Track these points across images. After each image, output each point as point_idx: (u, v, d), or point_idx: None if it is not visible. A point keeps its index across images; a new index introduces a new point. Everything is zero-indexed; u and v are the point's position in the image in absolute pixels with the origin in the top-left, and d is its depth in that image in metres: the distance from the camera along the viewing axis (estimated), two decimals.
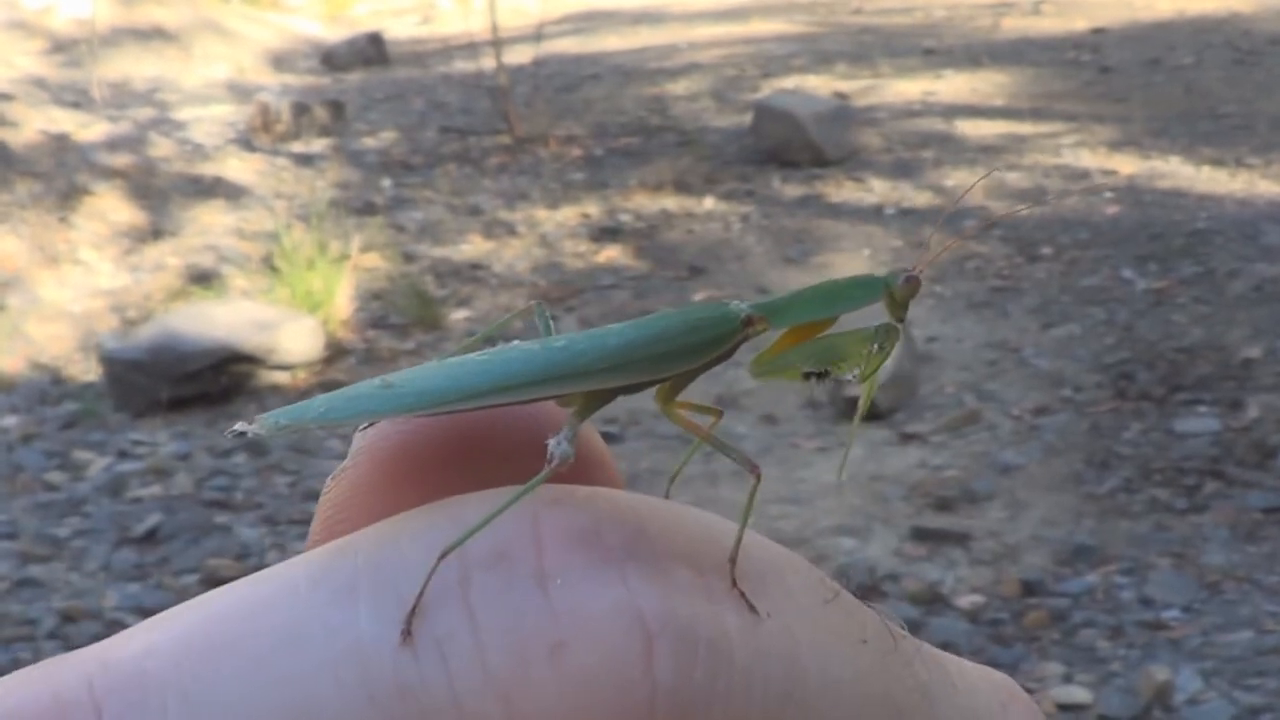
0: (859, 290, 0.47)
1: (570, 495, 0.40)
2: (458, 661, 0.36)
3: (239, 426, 0.44)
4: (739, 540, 0.40)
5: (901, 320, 0.49)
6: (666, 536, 0.39)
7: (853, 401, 4.91)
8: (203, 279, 6.60)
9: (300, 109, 8.57)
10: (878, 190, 7.24)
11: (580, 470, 0.43)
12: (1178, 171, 7.20)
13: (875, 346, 0.48)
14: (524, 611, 0.36)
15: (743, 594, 0.39)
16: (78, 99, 8.84)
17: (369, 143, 8.43)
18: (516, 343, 0.46)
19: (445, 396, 0.43)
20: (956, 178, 7.36)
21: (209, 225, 7.21)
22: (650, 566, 0.38)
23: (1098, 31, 10.17)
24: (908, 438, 4.87)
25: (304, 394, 5.49)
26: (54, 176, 7.38)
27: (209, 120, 8.72)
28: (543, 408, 0.45)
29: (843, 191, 7.26)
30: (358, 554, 0.38)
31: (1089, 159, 7.50)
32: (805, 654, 0.39)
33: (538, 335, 0.48)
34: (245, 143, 8.32)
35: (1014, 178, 7.31)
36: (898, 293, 0.48)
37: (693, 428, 0.46)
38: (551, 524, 0.38)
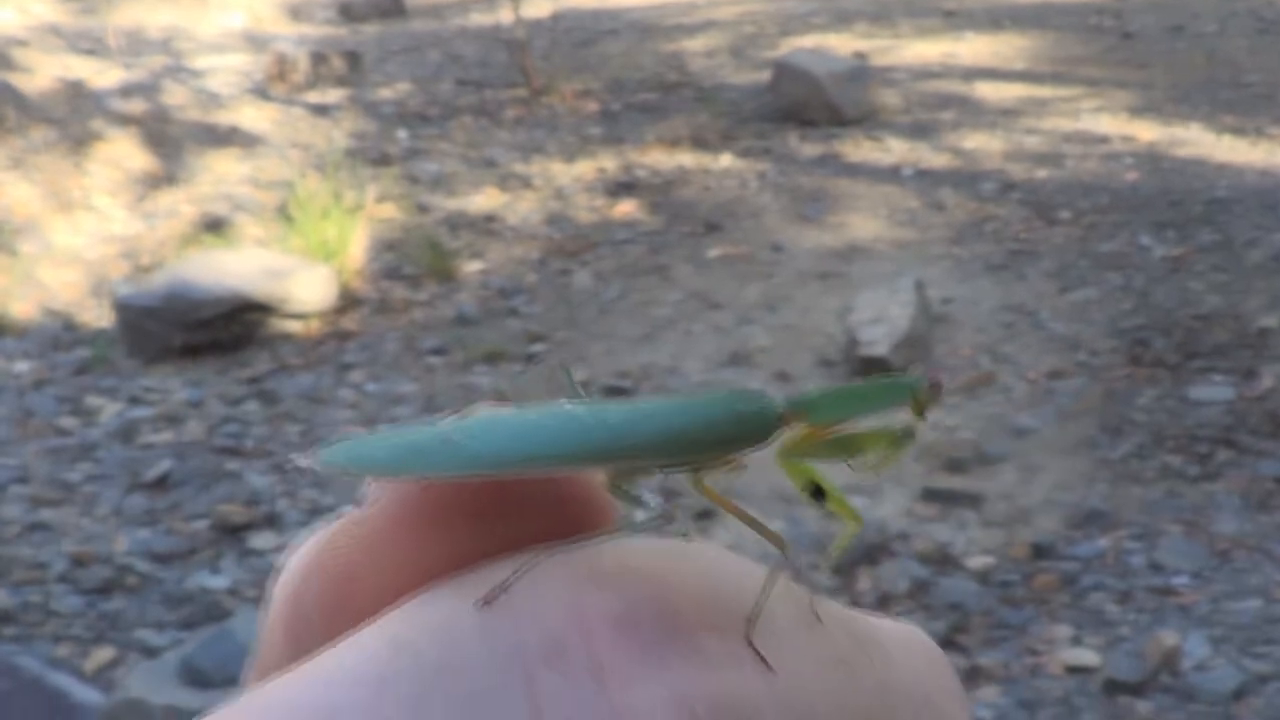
0: (888, 395, 0.49)
1: (600, 567, 0.40)
2: None
3: (299, 460, 0.44)
4: (759, 607, 0.40)
5: (923, 420, 0.52)
6: (693, 605, 0.40)
7: (867, 360, 4.90)
8: (216, 227, 6.59)
9: (317, 59, 8.55)
10: (895, 151, 7.21)
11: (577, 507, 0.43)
12: (1198, 139, 7.17)
13: (894, 445, 0.50)
14: (590, 712, 0.37)
15: (758, 652, 0.39)
16: (93, 46, 8.83)
17: (385, 94, 8.41)
18: (566, 404, 0.46)
19: (504, 460, 0.42)
20: (975, 140, 7.32)
21: (223, 173, 7.20)
22: (686, 645, 0.39)
23: None
24: None
25: (317, 343, 5.52)
26: (68, 123, 7.37)
27: (225, 69, 8.70)
28: None
29: (860, 151, 7.23)
30: (419, 655, 0.38)
31: (1109, 124, 7.46)
32: (814, 698, 0.40)
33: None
34: (261, 92, 8.30)
35: (1032, 141, 7.27)
36: (923, 397, 0.50)
37: (725, 505, 0.47)
38: (595, 609, 0.39)
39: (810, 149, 7.28)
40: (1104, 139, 7.25)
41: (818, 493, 0.49)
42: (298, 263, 5.83)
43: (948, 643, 3.59)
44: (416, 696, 0.37)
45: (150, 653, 3.78)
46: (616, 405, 0.45)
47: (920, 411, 0.50)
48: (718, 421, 0.46)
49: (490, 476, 0.42)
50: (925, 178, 6.84)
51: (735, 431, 0.46)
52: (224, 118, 7.81)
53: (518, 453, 0.42)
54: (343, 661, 0.38)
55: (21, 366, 5.54)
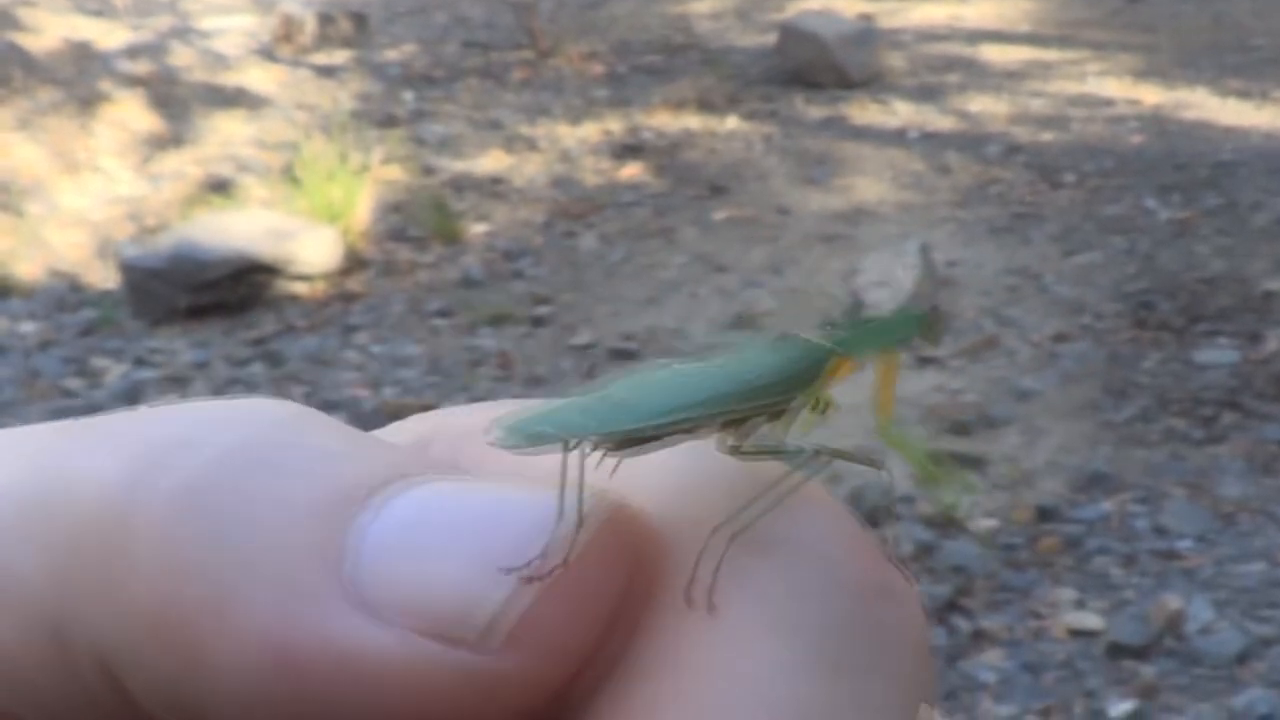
0: (905, 325, 0.50)
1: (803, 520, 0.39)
2: None
3: (489, 436, 0.42)
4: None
5: (936, 344, 0.53)
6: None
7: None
8: (222, 188, 6.59)
9: (324, 20, 8.53)
10: (901, 113, 7.20)
11: None
12: (1204, 103, 7.15)
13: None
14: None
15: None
16: (100, 7, 8.81)
17: (391, 55, 8.39)
18: (675, 364, 0.47)
19: (665, 412, 0.42)
20: (981, 103, 7.31)
21: (229, 135, 7.20)
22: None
23: None
24: (925, 361, 4.87)
25: (322, 304, 5.53)
26: (75, 84, 7.36)
27: (231, 30, 8.68)
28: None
29: (866, 114, 7.22)
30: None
31: (1114, 88, 7.45)
32: None
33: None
34: (267, 53, 8.29)
35: (1038, 104, 7.26)
36: (932, 325, 0.51)
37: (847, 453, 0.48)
38: (863, 540, 0.40)
39: (816, 111, 7.27)
40: (1109, 102, 7.24)
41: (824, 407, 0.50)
42: (303, 224, 5.83)
43: (951, 605, 3.60)
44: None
45: None
46: (710, 363, 0.46)
47: (932, 339, 0.51)
48: (790, 363, 0.46)
49: (659, 430, 0.42)
50: (931, 141, 6.84)
51: (805, 372, 0.47)
52: (230, 79, 7.81)
53: (675, 405, 0.43)
54: None
55: (28, 327, 5.55)
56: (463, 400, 4.83)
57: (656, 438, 0.43)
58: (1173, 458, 4.20)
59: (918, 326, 0.50)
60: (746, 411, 0.45)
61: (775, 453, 0.44)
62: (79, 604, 0.34)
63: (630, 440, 0.42)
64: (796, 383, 0.47)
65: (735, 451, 0.45)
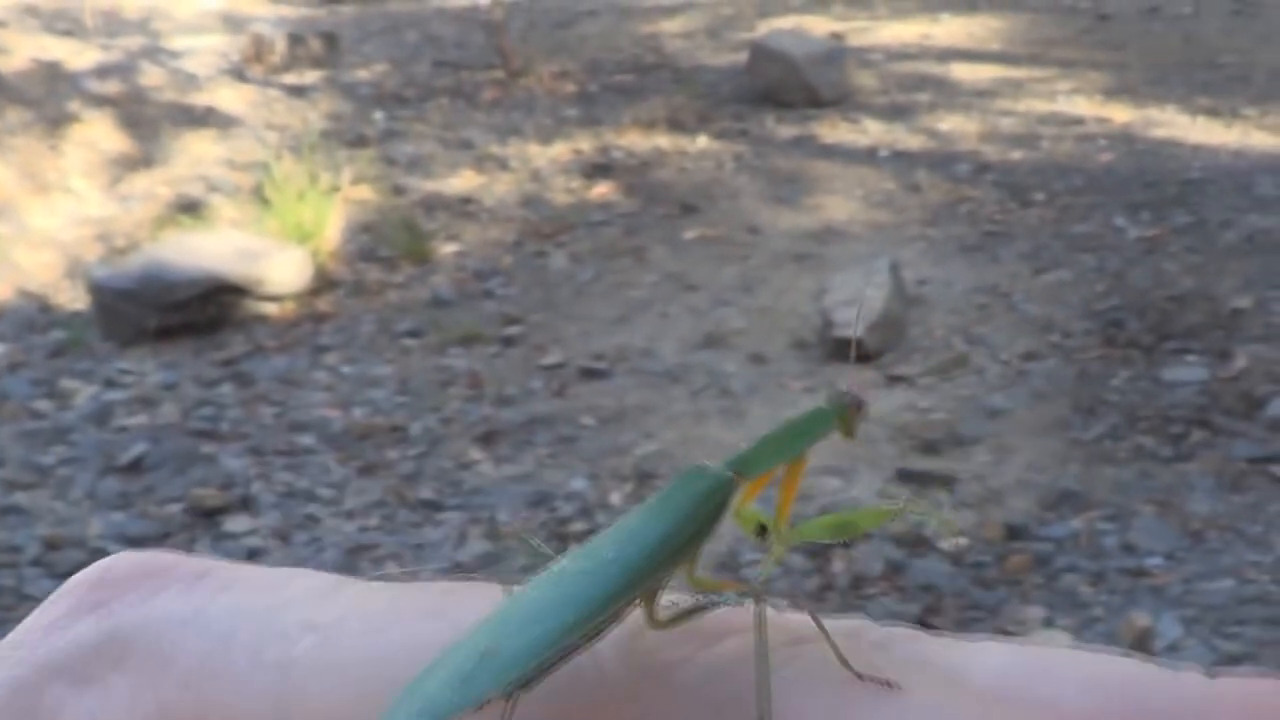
0: (813, 426, 0.49)
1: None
2: None
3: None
4: None
5: (853, 438, 0.52)
6: None
7: (842, 342, 4.90)
8: (192, 208, 6.58)
9: (294, 40, 8.52)
10: (872, 132, 7.21)
11: None
12: (1173, 120, 7.18)
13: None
14: None
15: None
16: (70, 26, 8.79)
17: (362, 75, 8.39)
18: (558, 565, 0.45)
19: (545, 652, 0.42)
20: (951, 122, 7.33)
21: (199, 155, 7.18)
22: None
23: None
24: (895, 380, 4.87)
25: (292, 325, 5.52)
26: (44, 104, 7.34)
27: (201, 50, 8.67)
28: None
29: (837, 133, 7.23)
30: None
31: (1084, 106, 7.47)
32: None
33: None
34: (238, 73, 8.28)
35: (1008, 123, 7.28)
36: (847, 417, 0.50)
37: (703, 585, 0.47)
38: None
39: (786, 130, 7.28)
40: (1079, 120, 7.26)
41: (761, 531, 0.49)
42: (273, 245, 5.82)
43: (920, 624, 3.60)
44: None
45: None
46: (598, 541, 0.45)
47: (849, 432, 0.50)
48: (686, 506, 0.46)
49: (570, 646, 0.42)
50: (901, 159, 6.85)
51: (704, 509, 0.46)
52: (200, 99, 7.79)
53: (559, 636, 0.42)
54: None
55: None
56: (432, 420, 4.82)
57: (573, 650, 0.42)
58: (1141, 475, 4.21)
59: (830, 423, 0.49)
60: (658, 574, 0.45)
61: (700, 610, 0.44)
62: None
63: (543, 670, 0.41)
64: (703, 519, 0.46)
65: (659, 624, 0.44)
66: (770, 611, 0.42)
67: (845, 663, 0.40)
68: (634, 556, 0.44)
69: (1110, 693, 0.40)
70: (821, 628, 0.42)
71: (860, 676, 0.40)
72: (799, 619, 0.43)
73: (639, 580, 0.44)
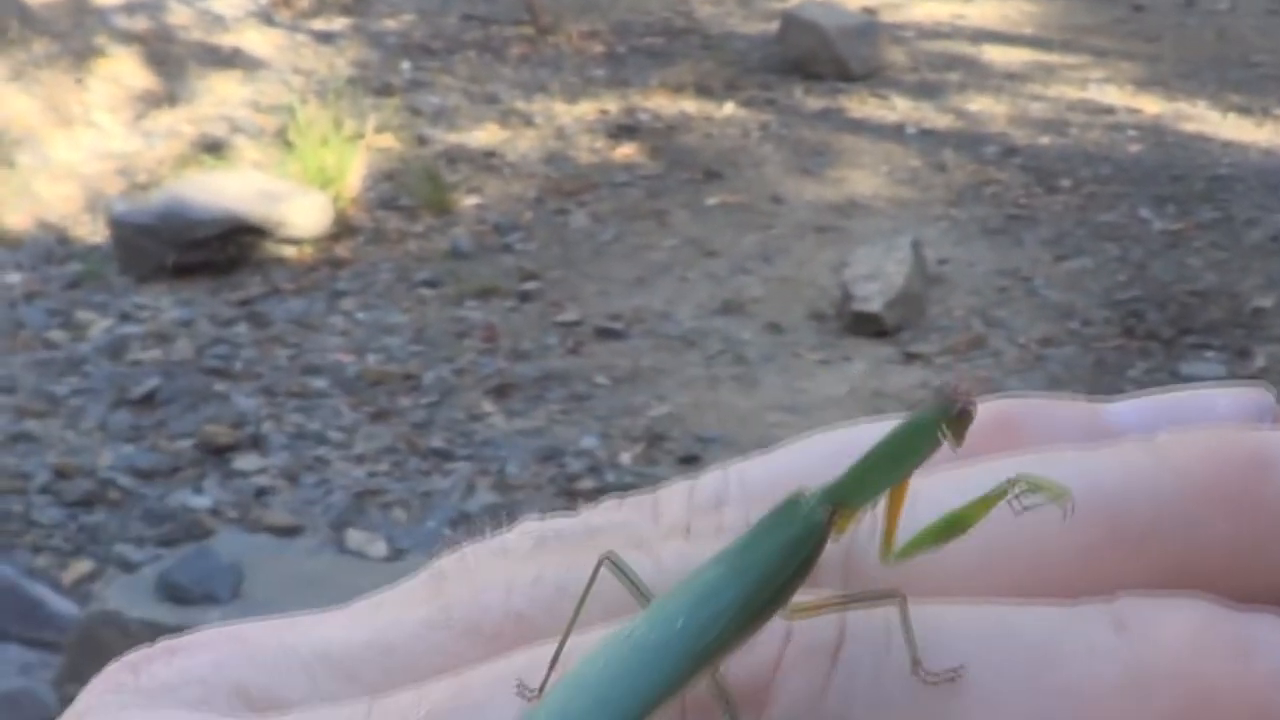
0: (918, 441, 0.41)
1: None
2: None
3: None
4: None
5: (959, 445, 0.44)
6: None
7: (860, 316, 4.89)
8: (214, 148, 6.57)
9: None
10: (900, 109, 7.18)
11: None
12: (1204, 116, 7.14)
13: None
14: None
15: None
16: None
17: (390, 24, 8.36)
18: (634, 621, 0.40)
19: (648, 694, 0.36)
20: (980, 103, 7.30)
21: (224, 95, 7.16)
22: None
23: None
24: (912, 357, 4.86)
25: (310, 269, 5.51)
26: (70, 37, 7.32)
27: None
28: None
29: (865, 107, 7.20)
30: None
31: (1115, 96, 7.44)
32: None
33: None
34: (266, 16, 8.25)
35: (1037, 108, 7.25)
36: (955, 427, 0.42)
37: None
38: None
39: (815, 102, 7.25)
40: (1109, 110, 7.22)
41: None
42: (295, 188, 5.81)
43: None
44: None
45: (129, 567, 3.79)
46: (677, 592, 0.38)
47: (960, 440, 0.43)
48: (776, 550, 0.39)
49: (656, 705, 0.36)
50: (928, 138, 6.82)
51: (797, 552, 0.39)
52: (227, 40, 7.77)
53: (665, 674, 0.36)
54: None
55: (14, 278, 5.53)
56: (446, 371, 4.82)
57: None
58: None
59: (939, 435, 0.42)
60: (736, 642, 0.37)
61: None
62: None
63: None
64: (796, 565, 0.40)
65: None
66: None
67: (917, 662, 0.36)
68: (707, 622, 0.40)
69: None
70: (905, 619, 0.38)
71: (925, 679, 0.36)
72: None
73: (714, 651, 0.37)
